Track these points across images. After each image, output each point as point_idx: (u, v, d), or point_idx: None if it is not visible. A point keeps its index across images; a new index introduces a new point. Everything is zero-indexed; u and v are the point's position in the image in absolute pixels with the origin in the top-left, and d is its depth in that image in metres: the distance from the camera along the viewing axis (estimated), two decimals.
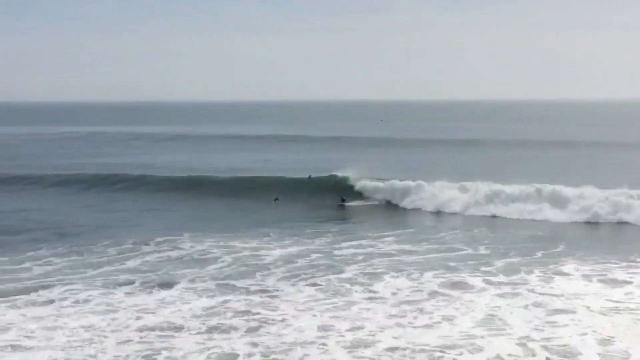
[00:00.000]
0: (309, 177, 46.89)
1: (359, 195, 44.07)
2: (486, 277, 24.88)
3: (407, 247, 30.20)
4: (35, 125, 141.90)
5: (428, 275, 25.16)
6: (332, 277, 25.05)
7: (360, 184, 44.68)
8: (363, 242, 31.30)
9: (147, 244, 30.53)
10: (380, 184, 43.80)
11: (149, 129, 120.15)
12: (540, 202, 38.27)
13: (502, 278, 24.78)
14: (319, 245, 30.58)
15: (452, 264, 26.91)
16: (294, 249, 29.63)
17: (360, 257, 28.05)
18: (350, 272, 25.73)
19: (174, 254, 28.91)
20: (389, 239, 31.96)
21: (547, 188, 39.15)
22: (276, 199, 43.64)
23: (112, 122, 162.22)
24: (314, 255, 28.48)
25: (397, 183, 43.16)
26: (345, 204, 42.79)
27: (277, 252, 29.00)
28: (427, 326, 19.70)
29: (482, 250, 29.53)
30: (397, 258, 27.97)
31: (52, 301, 22.29)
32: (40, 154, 75.76)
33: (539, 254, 28.59)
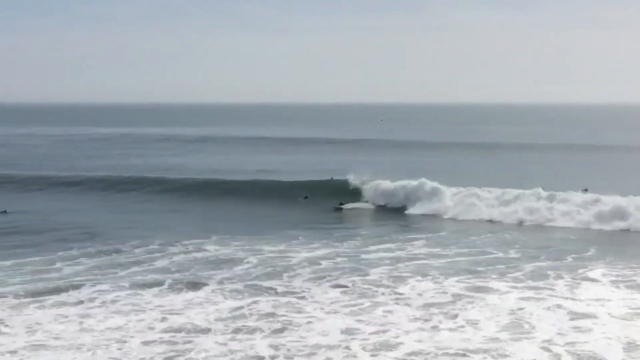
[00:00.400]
0: (305, 197, 44.67)
1: (383, 197, 43.56)
2: (513, 281, 24.73)
3: (437, 250, 30.10)
4: (66, 127, 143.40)
5: (454, 278, 25.10)
6: (358, 279, 25.05)
7: (384, 185, 44.03)
8: (392, 245, 31.22)
9: (174, 245, 30.72)
10: (408, 185, 43.20)
11: (177, 131, 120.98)
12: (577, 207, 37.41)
13: (529, 282, 24.61)
14: (347, 248, 30.56)
15: (480, 268, 26.77)
16: (322, 252, 29.63)
17: (387, 261, 27.94)
18: (376, 274, 25.70)
19: (201, 255, 29.07)
20: (419, 242, 31.88)
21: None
22: (305, 197, 43.74)
23: (142, 123, 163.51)
24: (340, 258, 28.48)
25: (426, 185, 42.43)
26: (343, 207, 42.52)
27: (304, 255, 29.02)
28: (451, 330, 19.64)
29: (512, 254, 29.32)
30: (425, 261, 27.86)
31: (80, 302, 22.46)
32: (72, 155, 76.65)
33: (569, 258, 28.38)
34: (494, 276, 25.55)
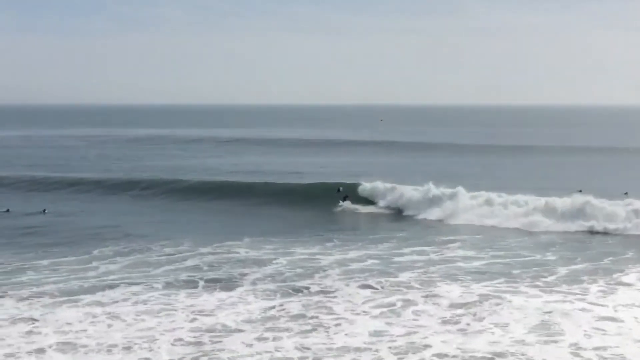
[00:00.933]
0: (339, 190, 44.79)
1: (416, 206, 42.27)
2: (546, 285, 24.52)
3: (471, 253, 29.94)
4: (106, 128, 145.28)
5: (487, 281, 24.92)
6: (387, 280, 25.03)
7: (423, 190, 43.29)
8: (427, 248, 31.12)
9: (206, 246, 30.97)
10: (447, 192, 42.21)
11: (219, 132, 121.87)
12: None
13: (562, 286, 24.36)
14: (380, 250, 30.53)
15: (515, 271, 26.56)
16: (354, 254, 29.61)
17: (420, 263, 27.85)
18: (405, 277, 25.64)
19: (233, 256, 29.22)
20: (454, 245, 31.77)
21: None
22: (339, 190, 43.84)
23: (183, 124, 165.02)
24: (372, 260, 28.44)
25: (462, 191, 41.38)
26: (343, 203, 42.68)
27: (336, 257, 29.01)
28: (478, 332, 19.53)
29: (549, 256, 29.09)
30: (458, 264, 27.76)
31: (114, 301, 22.68)
32: (109, 156, 77.69)
33: (605, 261, 28.03)
34: (526, 279, 25.31)
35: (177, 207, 44.89)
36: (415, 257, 29.16)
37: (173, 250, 30.36)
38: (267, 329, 19.88)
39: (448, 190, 41.86)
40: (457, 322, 20.42)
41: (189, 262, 28.15)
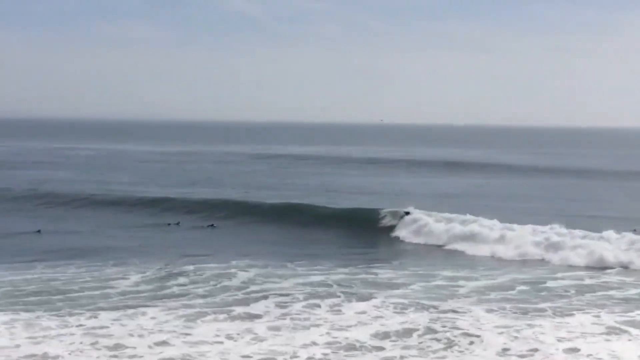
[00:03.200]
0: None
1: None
2: None
3: (630, 280, 28.79)
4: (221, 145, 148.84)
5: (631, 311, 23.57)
6: (525, 304, 24.38)
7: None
8: (582, 273, 30.31)
9: (344, 267, 31.11)
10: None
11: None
12: None
13: None
14: (526, 274, 29.76)
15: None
16: (497, 280, 28.77)
17: (572, 290, 26.88)
18: (549, 302, 24.84)
19: (369, 277, 29.08)
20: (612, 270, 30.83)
21: None
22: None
23: (290, 141, 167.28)
24: (520, 286, 27.59)
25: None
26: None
27: (477, 283, 28.16)
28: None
29: None
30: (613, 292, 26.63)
31: (258, 315, 22.76)
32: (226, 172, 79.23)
33: None
34: None
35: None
36: (566, 282, 28.28)
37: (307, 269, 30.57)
38: (395, 346, 19.77)
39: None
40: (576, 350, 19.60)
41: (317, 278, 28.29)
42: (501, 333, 20.78)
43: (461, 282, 27.81)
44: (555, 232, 35.65)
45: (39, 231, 39.46)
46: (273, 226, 43.02)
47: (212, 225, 42.83)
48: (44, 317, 21.92)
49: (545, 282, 28.08)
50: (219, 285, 26.81)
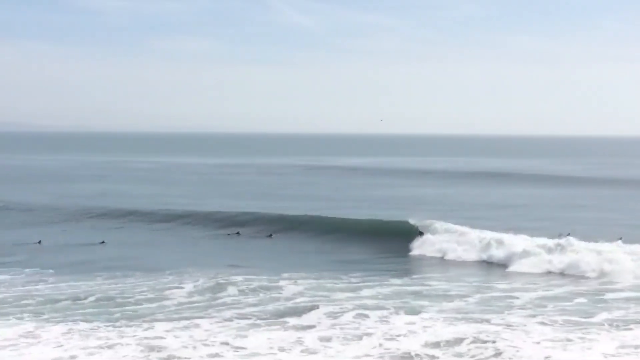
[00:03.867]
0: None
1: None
2: None
3: None
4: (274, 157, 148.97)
5: None
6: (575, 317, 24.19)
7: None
8: None
9: (400, 277, 31.23)
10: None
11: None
12: None
13: None
14: (583, 287, 29.56)
15: None
16: (556, 291, 28.54)
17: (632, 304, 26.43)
18: (604, 315, 24.54)
19: (420, 288, 29.13)
20: None
21: None
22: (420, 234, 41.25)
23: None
24: (576, 299, 27.30)
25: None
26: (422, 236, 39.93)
27: (531, 295, 27.93)
28: None
29: None
30: None
31: (311, 326, 22.89)
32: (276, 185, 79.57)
33: None
34: None
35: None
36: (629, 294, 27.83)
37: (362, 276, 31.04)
38: (443, 355, 19.89)
39: None
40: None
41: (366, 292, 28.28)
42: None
43: (517, 294, 27.79)
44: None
45: (102, 242, 40.74)
46: (327, 238, 43.11)
47: (270, 235, 43.69)
48: (101, 329, 22.45)
49: (603, 294, 27.82)
50: (268, 296, 27.13)
